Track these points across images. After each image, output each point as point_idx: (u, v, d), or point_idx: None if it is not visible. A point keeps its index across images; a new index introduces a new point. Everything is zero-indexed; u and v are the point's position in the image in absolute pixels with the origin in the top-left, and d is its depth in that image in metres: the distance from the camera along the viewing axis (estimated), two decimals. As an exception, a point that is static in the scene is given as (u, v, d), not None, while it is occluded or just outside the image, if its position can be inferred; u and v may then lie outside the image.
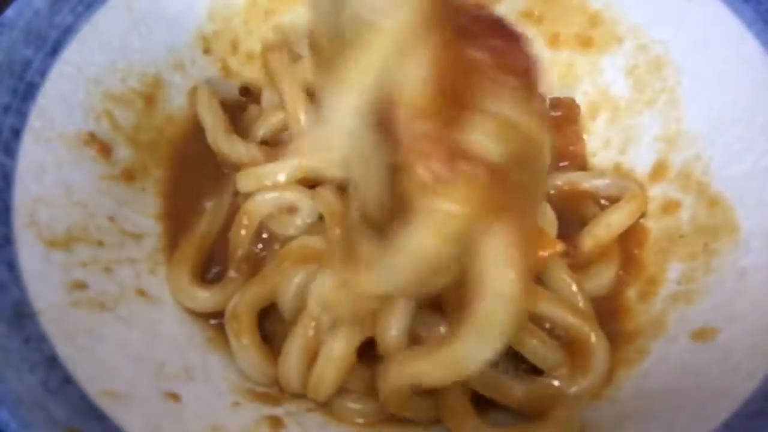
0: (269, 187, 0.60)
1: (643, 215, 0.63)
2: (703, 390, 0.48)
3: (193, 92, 0.67)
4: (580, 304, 0.57)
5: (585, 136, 0.69)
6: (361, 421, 0.54)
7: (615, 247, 0.62)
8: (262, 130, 0.66)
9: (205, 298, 0.59)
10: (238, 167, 0.64)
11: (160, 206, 0.63)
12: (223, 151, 0.64)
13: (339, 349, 0.52)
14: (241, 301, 0.56)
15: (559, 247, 0.57)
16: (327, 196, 0.59)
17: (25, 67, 0.56)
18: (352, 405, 0.55)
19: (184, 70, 0.68)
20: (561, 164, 0.67)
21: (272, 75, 0.68)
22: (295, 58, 0.69)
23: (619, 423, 0.50)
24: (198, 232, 0.61)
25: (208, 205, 0.63)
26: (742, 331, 0.51)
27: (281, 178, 0.60)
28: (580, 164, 0.68)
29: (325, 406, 0.55)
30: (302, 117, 0.64)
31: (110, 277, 0.55)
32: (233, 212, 0.62)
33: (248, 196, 0.61)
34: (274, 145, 0.66)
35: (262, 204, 0.60)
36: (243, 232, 0.60)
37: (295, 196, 0.60)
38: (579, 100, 0.70)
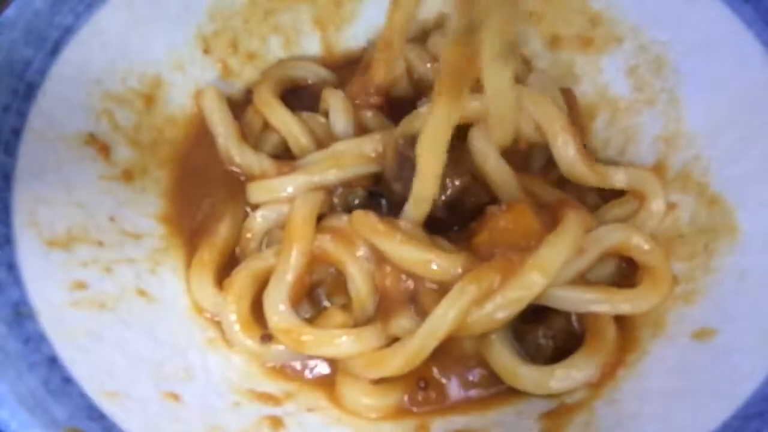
0: (275, 201, 0.61)
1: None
2: (702, 390, 0.49)
3: (200, 94, 0.67)
4: None
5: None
6: (374, 416, 0.55)
7: None
8: (269, 144, 0.67)
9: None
10: (248, 171, 0.64)
11: (161, 206, 0.63)
12: (234, 161, 0.65)
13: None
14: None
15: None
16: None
17: (25, 67, 0.57)
18: (367, 400, 0.55)
19: (184, 70, 0.68)
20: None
21: (261, 111, 0.68)
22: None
23: (618, 423, 0.50)
24: (219, 237, 0.62)
25: (228, 210, 0.64)
26: (742, 331, 0.51)
27: (289, 191, 0.61)
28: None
29: (337, 401, 0.56)
30: (302, 139, 0.65)
31: (110, 277, 0.55)
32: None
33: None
34: (283, 156, 0.66)
35: (262, 220, 0.61)
36: (248, 245, 0.62)
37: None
38: (579, 100, 0.69)
